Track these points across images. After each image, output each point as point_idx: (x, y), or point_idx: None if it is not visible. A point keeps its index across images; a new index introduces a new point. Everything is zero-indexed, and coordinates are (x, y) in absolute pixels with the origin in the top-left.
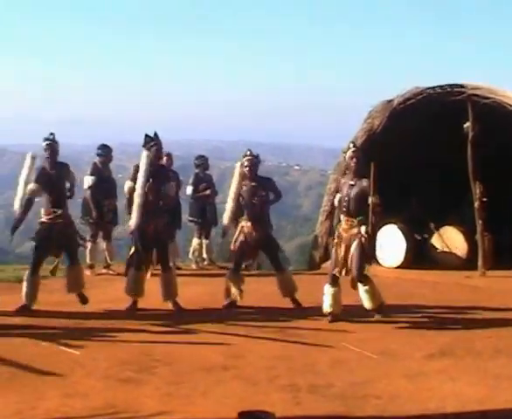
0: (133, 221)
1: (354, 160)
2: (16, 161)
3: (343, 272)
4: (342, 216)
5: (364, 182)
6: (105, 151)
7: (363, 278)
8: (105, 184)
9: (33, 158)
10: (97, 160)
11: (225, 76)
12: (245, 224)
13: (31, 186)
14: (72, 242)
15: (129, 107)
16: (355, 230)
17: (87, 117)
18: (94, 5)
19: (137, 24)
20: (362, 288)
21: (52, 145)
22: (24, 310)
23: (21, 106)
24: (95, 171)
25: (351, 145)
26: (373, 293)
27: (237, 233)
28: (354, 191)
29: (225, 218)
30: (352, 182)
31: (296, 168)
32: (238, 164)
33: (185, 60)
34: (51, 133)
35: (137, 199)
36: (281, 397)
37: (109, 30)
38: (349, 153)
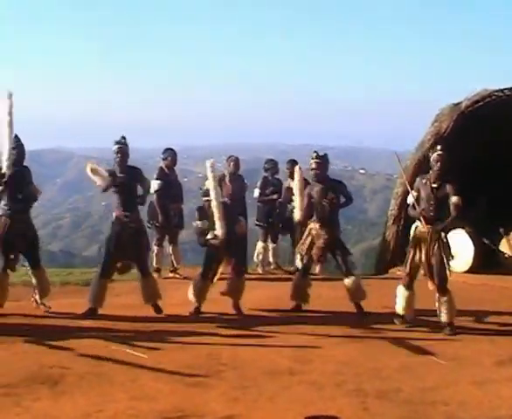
0: (220, 231)
1: (438, 164)
2: (83, 165)
3: (420, 275)
4: (419, 218)
5: (448, 187)
6: (170, 155)
7: (445, 290)
8: (171, 188)
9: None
10: (162, 164)
11: (294, 79)
12: (313, 226)
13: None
14: (142, 250)
15: (194, 112)
16: (434, 235)
17: (154, 122)
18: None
19: (200, 24)
20: (442, 299)
21: (123, 148)
22: (90, 313)
23: (89, 110)
24: (161, 175)
25: (438, 147)
26: (451, 307)
27: (305, 235)
28: (437, 194)
29: (297, 215)
30: (435, 185)
31: (362, 172)
32: (297, 167)
33: (252, 63)
34: (123, 137)
35: (217, 209)
36: (348, 402)
37: (176, 33)
38: (435, 155)
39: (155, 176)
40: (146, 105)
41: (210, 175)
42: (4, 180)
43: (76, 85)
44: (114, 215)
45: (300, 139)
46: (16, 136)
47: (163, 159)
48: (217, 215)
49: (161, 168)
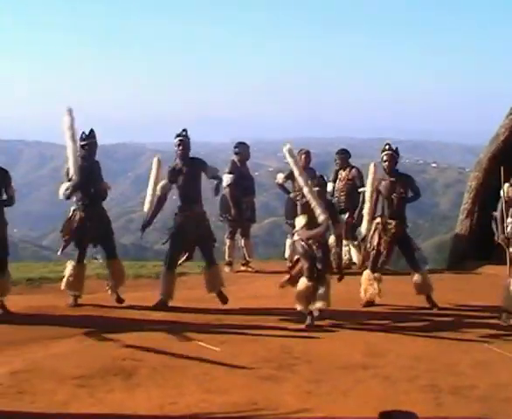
0: (322, 215)
1: None
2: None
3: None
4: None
5: None
6: (242, 148)
7: None
8: (243, 182)
9: (159, 161)
10: (235, 157)
11: (363, 73)
12: (380, 221)
13: (162, 183)
14: (207, 241)
15: (264, 106)
16: None
17: (224, 116)
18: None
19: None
20: None
21: (184, 141)
22: (161, 306)
23: (160, 105)
24: (234, 169)
25: None
26: None
27: (372, 230)
28: None
29: (366, 211)
30: None
31: (433, 165)
32: (372, 164)
33: (318, 59)
34: (184, 130)
35: (312, 194)
36: (422, 398)
37: (256, 32)
38: None
39: (227, 170)
40: (217, 99)
41: (290, 160)
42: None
43: (148, 81)
44: (178, 206)
45: (369, 133)
46: (91, 131)
47: (236, 153)
48: (313, 202)
49: (233, 161)
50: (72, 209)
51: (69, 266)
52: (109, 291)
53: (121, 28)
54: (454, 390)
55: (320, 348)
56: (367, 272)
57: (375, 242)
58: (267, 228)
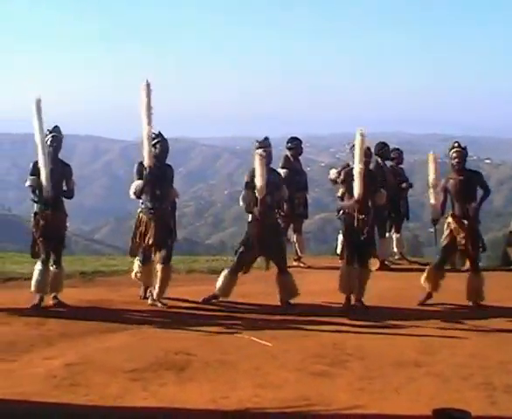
0: (357, 192)
1: None
2: (205, 154)
3: None
4: None
5: None
6: (295, 144)
7: None
8: (296, 177)
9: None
10: (288, 153)
11: (418, 66)
12: (451, 220)
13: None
14: (280, 248)
15: (317, 101)
16: None
17: (277, 111)
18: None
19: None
20: None
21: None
22: (212, 300)
23: (210, 100)
24: (287, 164)
25: None
26: None
27: (445, 228)
28: None
29: (433, 208)
30: None
31: (487, 161)
32: (432, 153)
33: (374, 52)
34: (266, 138)
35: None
36: (476, 396)
37: (310, 33)
38: None
39: (280, 165)
40: (270, 93)
41: (358, 140)
42: (147, 178)
43: (201, 76)
44: (254, 212)
45: (425, 128)
46: (159, 133)
47: (289, 148)
48: (357, 180)
49: (286, 156)
50: (138, 211)
51: (136, 263)
52: (149, 294)
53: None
54: (509, 389)
55: (372, 345)
56: (432, 267)
57: (446, 240)
58: (319, 224)
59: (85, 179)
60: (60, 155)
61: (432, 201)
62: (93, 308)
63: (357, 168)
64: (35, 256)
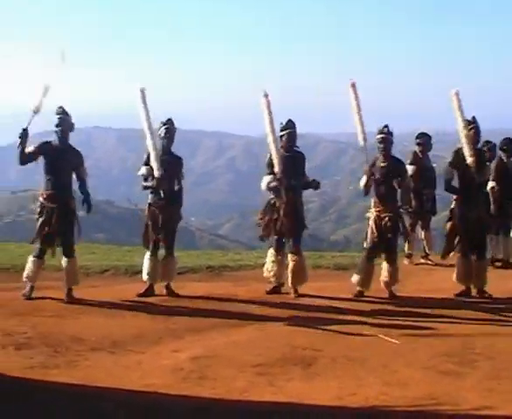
0: None
1: None
2: (330, 150)
3: None
4: None
5: None
6: (424, 139)
7: None
8: (425, 173)
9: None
10: (417, 148)
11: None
12: None
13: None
14: (394, 240)
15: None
16: None
17: (404, 106)
18: None
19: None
20: None
21: (386, 137)
22: (359, 296)
23: (333, 95)
24: (415, 160)
25: None
26: None
27: None
28: None
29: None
30: None
31: None
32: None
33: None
34: (386, 126)
35: None
36: None
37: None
38: None
39: (408, 161)
40: (398, 88)
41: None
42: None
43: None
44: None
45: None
46: (289, 120)
47: (418, 143)
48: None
49: (415, 152)
50: (270, 197)
51: (270, 254)
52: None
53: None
54: None
55: (503, 344)
56: None
57: None
58: (445, 221)
59: (209, 175)
60: (183, 152)
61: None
62: (219, 302)
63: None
64: (147, 245)
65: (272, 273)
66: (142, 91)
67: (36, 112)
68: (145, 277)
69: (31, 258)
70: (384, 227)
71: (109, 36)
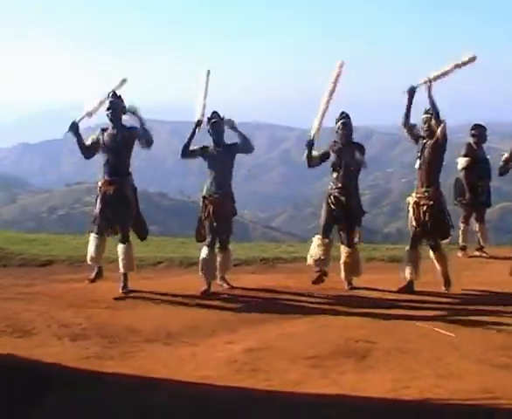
0: None
1: None
2: (383, 142)
3: None
4: None
5: None
6: (479, 131)
7: None
8: (479, 165)
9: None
10: (471, 140)
11: None
12: None
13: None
14: (437, 228)
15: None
16: None
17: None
18: None
19: None
20: None
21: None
22: (407, 288)
23: (383, 88)
24: (469, 151)
25: None
26: None
27: None
28: None
29: None
30: None
31: None
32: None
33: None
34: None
35: None
36: None
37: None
38: None
39: (462, 153)
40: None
41: None
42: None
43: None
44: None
45: None
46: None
47: (472, 135)
48: None
49: (469, 144)
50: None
51: (315, 239)
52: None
53: None
54: None
55: None
56: None
57: None
58: (499, 213)
59: (261, 167)
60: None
61: None
62: (272, 294)
63: None
64: (199, 239)
65: (315, 258)
66: (208, 72)
67: (89, 115)
68: (201, 273)
69: (92, 236)
70: (423, 214)
71: (164, 34)
